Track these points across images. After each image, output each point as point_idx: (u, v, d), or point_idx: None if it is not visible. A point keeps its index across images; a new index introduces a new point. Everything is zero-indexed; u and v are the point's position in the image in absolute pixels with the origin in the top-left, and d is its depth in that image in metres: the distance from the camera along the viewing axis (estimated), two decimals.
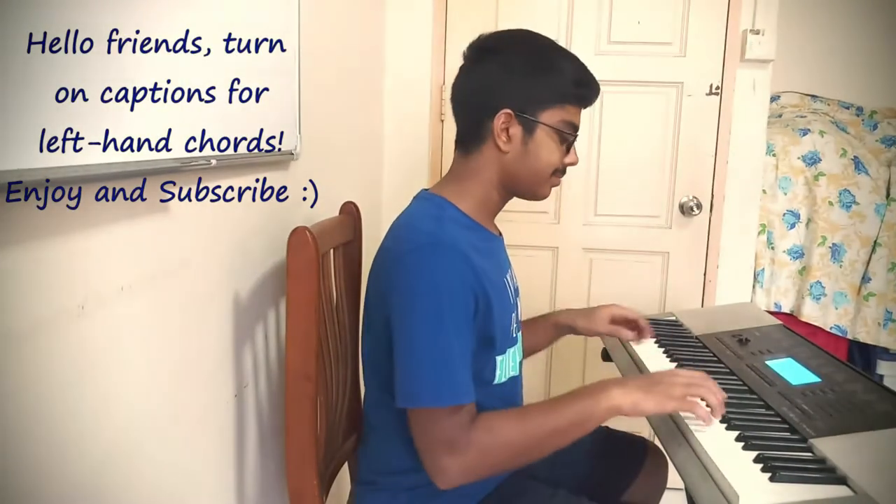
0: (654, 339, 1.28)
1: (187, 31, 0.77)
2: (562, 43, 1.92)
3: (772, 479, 0.78)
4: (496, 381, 1.00)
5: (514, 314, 1.05)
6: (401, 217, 1.01)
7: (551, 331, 1.27)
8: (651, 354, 1.22)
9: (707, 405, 0.89)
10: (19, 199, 0.56)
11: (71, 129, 0.57)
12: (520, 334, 1.09)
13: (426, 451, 0.89)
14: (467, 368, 0.89)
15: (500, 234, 1.10)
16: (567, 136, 0.99)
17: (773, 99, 2.42)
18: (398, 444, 0.97)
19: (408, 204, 1.05)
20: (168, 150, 0.73)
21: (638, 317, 1.24)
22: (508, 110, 0.95)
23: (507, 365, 1.02)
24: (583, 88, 0.99)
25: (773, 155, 2.13)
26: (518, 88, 0.96)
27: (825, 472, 0.79)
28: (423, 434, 0.89)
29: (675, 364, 1.18)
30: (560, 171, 1.03)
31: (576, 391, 0.92)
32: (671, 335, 1.31)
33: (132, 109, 0.66)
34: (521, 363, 1.09)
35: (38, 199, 0.59)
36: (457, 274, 0.88)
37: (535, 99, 0.96)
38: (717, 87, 1.92)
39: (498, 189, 1.02)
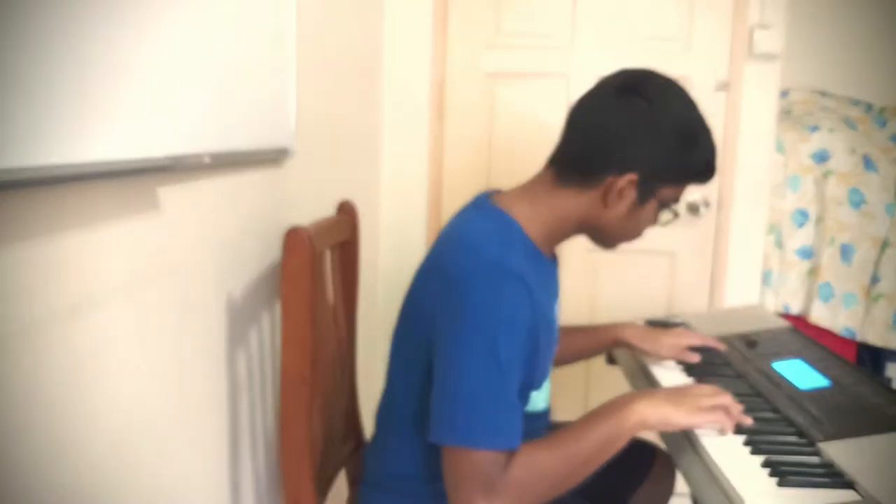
0: None
1: (185, 30, 0.76)
2: (566, 39, 1.92)
3: (779, 484, 0.78)
4: (528, 409, 0.97)
5: (554, 346, 1.03)
6: (461, 227, 0.94)
7: (608, 345, 1.24)
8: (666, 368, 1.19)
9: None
10: (13, 199, 0.56)
11: (67, 129, 0.57)
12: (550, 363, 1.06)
13: (459, 490, 0.84)
14: (521, 411, 0.87)
15: (556, 258, 1.07)
16: (670, 209, 0.97)
17: (782, 95, 2.39)
18: (410, 449, 0.96)
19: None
20: (163, 149, 0.73)
21: (704, 342, 1.19)
22: (634, 177, 0.90)
23: (539, 398, 0.99)
24: (710, 172, 0.96)
25: (782, 152, 2.10)
26: (656, 160, 0.91)
27: (833, 477, 0.79)
28: (457, 472, 0.84)
29: (680, 367, 1.17)
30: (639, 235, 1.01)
31: (599, 410, 0.89)
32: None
33: (128, 108, 0.65)
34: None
35: (32, 198, 0.58)
36: (518, 307, 0.83)
37: (667, 174, 0.92)
38: (725, 83, 1.89)
39: (575, 227, 0.97)
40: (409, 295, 0.97)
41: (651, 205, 0.94)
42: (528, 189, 0.97)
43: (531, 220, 0.93)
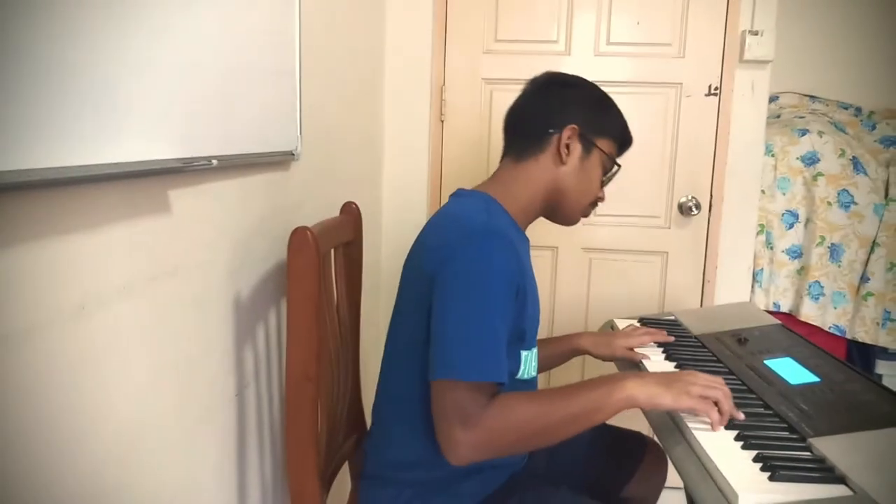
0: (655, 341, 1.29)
1: (193, 37, 0.77)
2: (561, 44, 1.95)
3: (771, 479, 0.78)
4: (519, 375, 1.01)
5: (539, 314, 1.08)
6: (445, 210, 1.04)
7: (568, 354, 1.30)
8: (650, 354, 1.22)
9: (719, 411, 0.91)
10: (26, 200, 0.57)
11: (70, 129, 0.57)
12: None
13: (442, 422, 0.89)
14: (505, 350, 0.91)
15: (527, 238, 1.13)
16: (611, 168, 1.10)
17: (772, 99, 2.42)
18: (407, 438, 0.98)
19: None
20: (168, 150, 0.73)
21: (653, 338, 1.26)
22: (575, 126, 1.05)
23: (529, 363, 1.03)
24: (628, 137, 1.12)
25: (772, 155, 2.14)
26: (586, 113, 1.07)
27: (824, 472, 0.80)
28: (442, 405, 0.89)
29: (673, 364, 1.18)
30: (594, 203, 1.13)
31: (592, 380, 0.93)
32: (670, 334, 1.32)
33: (132, 109, 0.66)
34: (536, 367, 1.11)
35: (44, 199, 0.59)
36: (507, 262, 0.91)
37: (598, 126, 1.07)
38: (716, 88, 1.92)
39: (541, 199, 1.08)
40: (402, 280, 1.02)
41: (595, 157, 1.07)
42: (496, 177, 1.10)
43: (506, 196, 1.06)
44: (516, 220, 1.06)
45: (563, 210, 1.10)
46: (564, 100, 1.07)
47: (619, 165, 1.11)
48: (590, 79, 1.13)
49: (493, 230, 0.93)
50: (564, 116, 1.05)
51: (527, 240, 1.11)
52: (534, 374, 1.07)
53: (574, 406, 0.89)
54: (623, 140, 1.12)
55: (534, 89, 1.11)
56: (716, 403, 0.91)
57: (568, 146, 1.05)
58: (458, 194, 1.08)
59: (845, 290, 2.13)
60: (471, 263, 0.90)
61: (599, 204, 1.14)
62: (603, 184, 1.11)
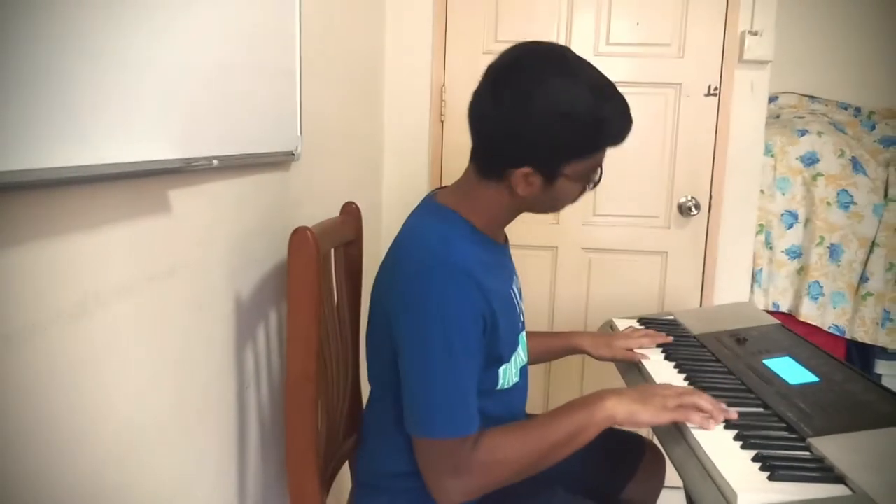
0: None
1: (194, 38, 0.77)
2: (560, 44, 1.95)
3: (770, 478, 0.79)
4: (499, 387, 1.01)
5: (520, 323, 1.07)
6: (409, 227, 0.99)
7: (566, 350, 1.30)
8: (649, 353, 1.22)
9: (704, 413, 0.92)
10: (26, 200, 0.57)
11: (70, 129, 0.57)
12: (522, 336, 1.09)
13: (429, 473, 0.91)
14: (475, 395, 0.91)
15: (507, 239, 1.10)
16: (591, 178, 0.96)
17: (772, 99, 2.42)
18: (397, 447, 0.98)
19: (411, 205, 1.04)
20: (168, 150, 0.73)
21: (653, 341, 1.27)
22: (529, 169, 0.90)
23: (509, 373, 1.02)
24: (623, 132, 0.92)
25: (772, 155, 2.14)
26: (541, 149, 0.89)
27: (823, 471, 0.80)
28: (427, 458, 0.91)
29: (672, 363, 1.18)
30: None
31: (572, 403, 0.94)
32: (669, 335, 1.32)
33: (133, 109, 0.66)
34: (523, 368, 1.09)
35: (44, 199, 0.59)
36: (466, 298, 0.88)
37: (564, 155, 0.90)
38: (716, 88, 1.93)
39: (511, 211, 1.00)
40: (371, 296, 1.01)
41: (563, 181, 0.92)
42: (462, 184, 1.00)
43: (472, 211, 0.97)
44: (487, 229, 0.98)
45: (540, 213, 1.03)
46: (515, 132, 0.89)
47: (601, 172, 0.97)
48: None
49: (447, 263, 0.88)
50: (516, 155, 0.90)
51: (501, 246, 1.04)
52: (516, 379, 1.04)
53: (557, 433, 0.91)
54: (615, 140, 0.93)
55: (484, 95, 0.92)
56: (697, 407, 0.92)
57: (526, 179, 0.91)
58: (425, 205, 1.02)
59: (844, 290, 2.13)
60: (426, 310, 0.87)
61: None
62: (585, 190, 0.98)
